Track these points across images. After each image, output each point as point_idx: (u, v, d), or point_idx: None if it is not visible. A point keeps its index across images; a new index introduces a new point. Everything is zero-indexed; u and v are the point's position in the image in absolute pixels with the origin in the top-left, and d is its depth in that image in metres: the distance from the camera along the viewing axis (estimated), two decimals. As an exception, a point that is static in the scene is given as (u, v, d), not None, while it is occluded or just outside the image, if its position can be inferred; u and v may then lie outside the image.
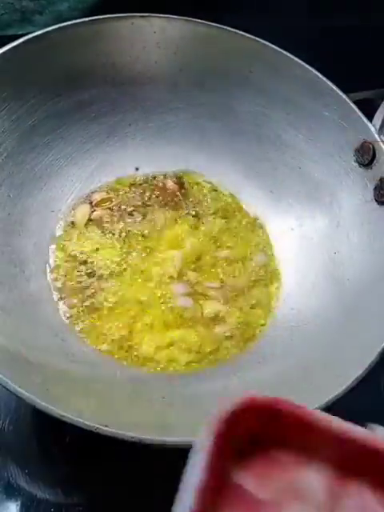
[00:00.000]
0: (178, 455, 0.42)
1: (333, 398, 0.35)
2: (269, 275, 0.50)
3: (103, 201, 0.51)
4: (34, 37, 0.45)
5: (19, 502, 0.41)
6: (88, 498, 0.42)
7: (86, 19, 0.47)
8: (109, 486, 0.42)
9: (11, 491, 0.41)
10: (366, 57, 0.64)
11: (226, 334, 0.46)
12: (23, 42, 0.44)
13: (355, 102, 0.47)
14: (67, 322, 0.44)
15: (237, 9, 0.61)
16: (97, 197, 0.51)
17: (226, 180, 0.54)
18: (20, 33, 0.47)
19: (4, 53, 0.43)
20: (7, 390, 0.33)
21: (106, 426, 0.31)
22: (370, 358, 0.37)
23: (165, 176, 0.53)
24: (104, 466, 0.43)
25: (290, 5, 0.65)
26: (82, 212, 0.50)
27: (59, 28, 0.46)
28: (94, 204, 0.51)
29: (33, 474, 0.42)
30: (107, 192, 0.52)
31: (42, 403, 0.32)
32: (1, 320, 0.39)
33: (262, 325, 0.47)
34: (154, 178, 0.53)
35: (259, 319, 0.47)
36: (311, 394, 0.36)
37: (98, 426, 0.31)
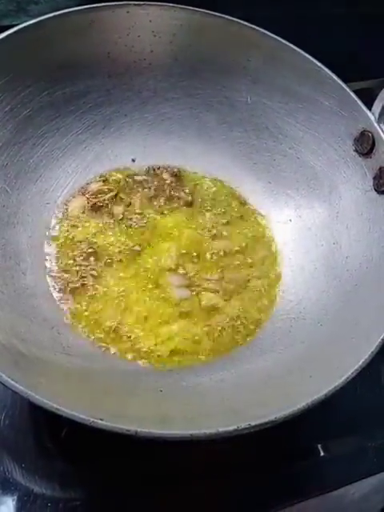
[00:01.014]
0: (176, 449, 0.42)
1: (332, 389, 0.34)
2: (267, 267, 0.49)
3: (99, 192, 0.50)
4: (27, 26, 0.44)
5: (16, 497, 0.40)
6: (85, 493, 0.41)
7: (81, 7, 0.46)
8: (106, 480, 0.42)
9: (8, 486, 0.40)
10: (366, 46, 0.64)
11: (225, 326, 0.45)
12: (17, 32, 0.44)
13: (355, 92, 0.47)
14: (63, 314, 0.44)
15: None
16: (93, 188, 0.51)
17: (224, 171, 0.53)
18: (15, 23, 0.47)
19: (-3, 42, 0.43)
20: (2, 383, 0.32)
21: (101, 420, 0.31)
22: (370, 349, 0.36)
23: (162, 167, 0.53)
24: (101, 461, 0.42)
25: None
26: (78, 204, 0.49)
27: (53, 17, 0.45)
28: (89, 196, 0.50)
29: (29, 468, 0.41)
30: (103, 183, 0.51)
31: (37, 397, 0.31)
32: (-5, 313, 0.39)
33: (261, 317, 0.46)
34: (151, 169, 0.53)
35: (258, 311, 0.47)
36: (310, 386, 0.36)
37: (93, 419, 0.31)
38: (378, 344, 0.37)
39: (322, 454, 0.46)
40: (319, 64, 0.47)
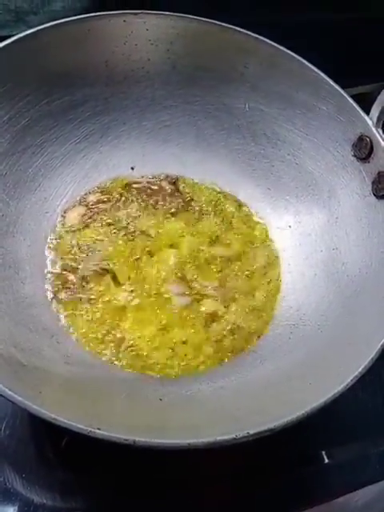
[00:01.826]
0: (177, 458, 0.42)
1: (331, 397, 0.34)
2: (267, 273, 0.49)
3: (98, 201, 0.51)
4: (25, 35, 0.44)
5: (16, 507, 0.40)
6: (85, 502, 0.41)
7: (78, 17, 0.46)
8: (106, 489, 0.42)
9: (8, 496, 0.41)
10: (364, 51, 0.64)
11: (225, 333, 0.45)
12: (15, 41, 0.44)
13: (353, 97, 0.47)
14: (62, 323, 0.44)
15: (233, 5, 0.61)
16: (93, 197, 0.51)
17: (223, 178, 0.53)
18: (14, 33, 0.47)
19: (-5, 53, 0.43)
20: (2, 396, 0.32)
21: (98, 429, 0.31)
22: (370, 355, 0.36)
23: (160, 175, 0.53)
24: (101, 470, 0.42)
25: (289, 1, 0.64)
26: (77, 213, 0.49)
27: (51, 26, 0.45)
28: (89, 205, 0.50)
29: (30, 478, 0.41)
30: (102, 193, 0.51)
31: (34, 407, 0.31)
32: (-6, 323, 0.39)
33: (261, 323, 0.46)
34: (150, 177, 0.53)
35: (258, 318, 0.47)
36: (310, 393, 0.36)
37: (90, 429, 0.31)
38: (377, 350, 0.36)
39: (326, 460, 0.46)
40: (316, 70, 0.47)
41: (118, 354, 0.43)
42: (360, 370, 0.35)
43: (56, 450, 0.42)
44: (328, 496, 0.45)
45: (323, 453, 0.46)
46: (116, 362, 0.43)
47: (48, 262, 0.47)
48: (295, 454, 0.46)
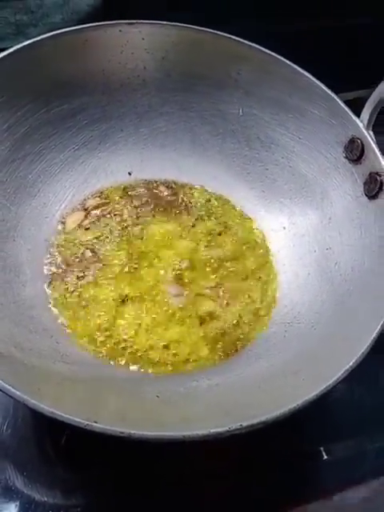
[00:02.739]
0: (175, 455, 0.43)
1: (323, 390, 0.35)
2: (262, 274, 0.50)
3: (97, 206, 0.52)
4: (24, 46, 0.46)
5: (18, 504, 0.41)
6: (86, 499, 0.42)
7: (75, 27, 0.48)
8: (106, 486, 0.42)
9: (9, 494, 0.41)
10: (356, 56, 0.65)
11: (222, 333, 0.46)
12: (14, 52, 0.45)
13: (346, 102, 0.48)
14: (61, 324, 0.45)
15: (225, 13, 0.62)
16: (91, 202, 0.52)
17: (218, 181, 0.54)
18: (14, 45, 0.49)
19: (-6, 63, 0.44)
20: (1, 390, 0.33)
21: (95, 422, 0.32)
22: (361, 349, 0.37)
23: (157, 180, 0.54)
24: (101, 467, 0.43)
25: (279, 8, 0.66)
26: (76, 218, 0.50)
27: (48, 37, 0.47)
28: (88, 209, 0.51)
29: (31, 476, 0.42)
30: (100, 198, 0.52)
31: (32, 401, 0.32)
32: (-5, 323, 0.40)
33: (257, 323, 0.47)
34: (147, 182, 0.54)
35: (254, 317, 0.47)
36: (303, 388, 0.36)
37: (87, 422, 0.31)
38: (368, 345, 0.37)
39: (324, 457, 0.46)
40: (308, 75, 0.48)
41: (115, 353, 0.44)
42: (351, 364, 0.36)
43: (56, 448, 0.43)
44: (326, 492, 0.45)
45: (322, 449, 0.46)
46: (113, 361, 0.43)
47: (47, 266, 0.48)
48: (294, 450, 0.46)
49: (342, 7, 0.66)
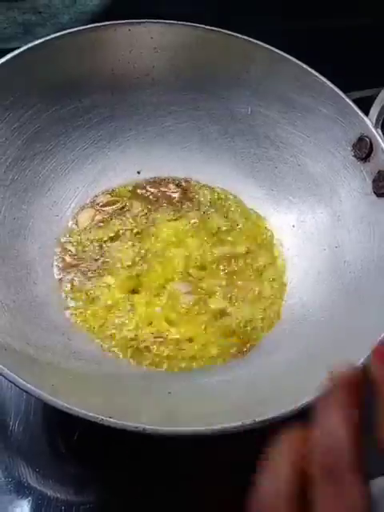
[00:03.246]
0: (188, 452, 0.43)
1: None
2: (272, 271, 0.50)
3: (107, 204, 0.52)
4: (34, 46, 0.46)
5: (30, 501, 0.41)
6: (98, 496, 0.42)
7: (84, 27, 0.48)
8: (118, 483, 0.42)
9: (22, 490, 0.42)
10: (366, 55, 0.65)
11: (233, 330, 0.46)
12: (24, 51, 0.45)
13: (357, 100, 0.48)
14: (73, 321, 0.45)
15: (236, 12, 0.62)
16: (101, 200, 0.52)
17: (227, 180, 0.54)
18: (23, 45, 0.49)
19: (5, 62, 0.45)
20: (16, 385, 0.33)
21: (110, 417, 0.32)
22: (370, 347, 0.37)
23: (166, 178, 0.54)
24: (113, 464, 0.43)
25: (289, 7, 0.66)
26: (87, 216, 0.51)
27: (58, 36, 0.47)
28: (97, 208, 0.52)
29: (43, 472, 0.42)
30: (111, 195, 0.52)
31: (49, 397, 0.32)
32: (8, 321, 0.40)
33: (268, 320, 0.47)
34: (156, 180, 0.54)
35: (265, 314, 0.48)
36: (315, 382, 0.36)
37: (102, 417, 0.32)
38: (379, 340, 0.37)
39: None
40: (316, 73, 0.48)
41: (126, 350, 0.44)
42: (362, 360, 0.36)
43: (68, 445, 0.43)
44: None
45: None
46: (125, 358, 0.44)
47: (58, 263, 0.48)
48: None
49: (353, 6, 0.67)
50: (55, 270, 0.47)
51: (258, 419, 0.33)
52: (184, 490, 0.43)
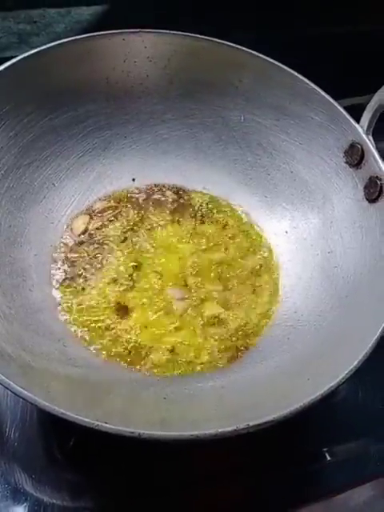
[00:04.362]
0: (185, 458, 0.43)
1: (327, 390, 0.35)
2: (266, 277, 0.51)
3: (102, 212, 0.52)
4: (29, 55, 0.46)
5: (26, 507, 0.41)
6: (94, 502, 0.42)
7: (79, 37, 0.49)
8: (114, 489, 0.43)
9: (18, 496, 0.42)
10: (357, 63, 0.66)
11: (226, 336, 0.47)
12: (19, 61, 0.46)
13: (346, 108, 0.49)
14: (68, 327, 0.45)
15: (226, 21, 0.63)
16: (97, 207, 0.53)
17: (221, 186, 0.55)
18: (18, 54, 0.49)
19: (1, 71, 0.45)
20: (12, 392, 0.33)
21: (106, 423, 0.32)
22: (364, 350, 0.37)
23: (161, 185, 0.55)
24: (109, 470, 0.43)
25: (279, 15, 0.67)
26: (82, 222, 0.51)
27: (53, 46, 0.47)
28: (93, 214, 0.52)
29: (39, 479, 0.42)
30: (106, 202, 0.53)
31: (44, 403, 0.33)
32: (4, 328, 0.40)
33: (261, 326, 0.48)
34: (151, 187, 0.55)
35: (258, 320, 0.48)
36: (308, 388, 0.37)
37: (98, 422, 0.32)
38: (371, 346, 0.38)
39: (327, 458, 0.47)
40: (307, 81, 0.49)
41: (122, 356, 0.44)
42: (354, 364, 0.37)
43: (64, 451, 0.44)
44: (330, 493, 0.46)
45: (325, 450, 0.47)
46: (120, 364, 0.44)
47: (54, 270, 0.48)
48: (297, 451, 0.47)
49: (342, 14, 0.67)
50: (50, 276, 0.48)
51: (251, 423, 0.33)
52: (180, 496, 0.43)
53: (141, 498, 0.43)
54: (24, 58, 0.46)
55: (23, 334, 0.41)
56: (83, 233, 0.51)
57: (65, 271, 0.48)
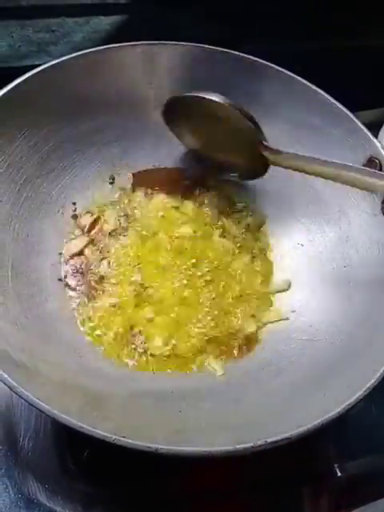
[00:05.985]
0: (196, 471, 0.43)
1: (345, 407, 0.35)
2: (281, 290, 0.51)
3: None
4: (47, 67, 0.47)
5: (40, 517, 0.41)
6: (107, 513, 0.42)
7: (98, 48, 0.49)
8: (127, 501, 0.43)
9: (32, 507, 0.42)
10: (375, 76, 0.66)
11: (241, 348, 0.47)
12: (40, 71, 0.46)
13: (366, 122, 0.49)
14: (84, 338, 0.45)
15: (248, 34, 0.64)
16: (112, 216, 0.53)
17: (237, 198, 0.55)
18: (37, 63, 0.50)
19: (21, 82, 0.45)
20: (28, 402, 0.33)
21: (123, 437, 0.32)
22: (382, 367, 0.37)
23: (177, 195, 0.55)
24: (122, 482, 0.43)
25: (298, 28, 0.67)
26: (98, 230, 0.51)
27: (71, 58, 0.48)
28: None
29: (53, 489, 0.42)
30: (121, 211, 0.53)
31: (62, 415, 0.33)
32: (20, 337, 0.41)
33: (277, 339, 0.48)
34: (168, 197, 0.55)
35: (273, 333, 0.48)
36: (325, 404, 0.37)
37: (115, 436, 0.32)
38: None
39: (338, 474, 0.47)
40: (325, 94, 0.49)
41: (138, 367, 0.45)
42: (372, 381, 0.36)
43: (78, 462, 0.44)
44: (340, 509, 0.45)
45: (336, 466, 0.47)
46: (136, 376, 0.44)
47: (70, 280, 0.48)
48: (308, 468, 0.47)
49: (363, 27, 0.67)
50: (66, 286, 0.48)
51: (269, 440, 0.33)
52: (191, 509, 0.43)
53: (153, 511, 0.43)
54: (42, 69, 0.47)
55: (40, 345, 0.41)
56: (100, 242, 0.51)
57: (81, 281, 0.48)
